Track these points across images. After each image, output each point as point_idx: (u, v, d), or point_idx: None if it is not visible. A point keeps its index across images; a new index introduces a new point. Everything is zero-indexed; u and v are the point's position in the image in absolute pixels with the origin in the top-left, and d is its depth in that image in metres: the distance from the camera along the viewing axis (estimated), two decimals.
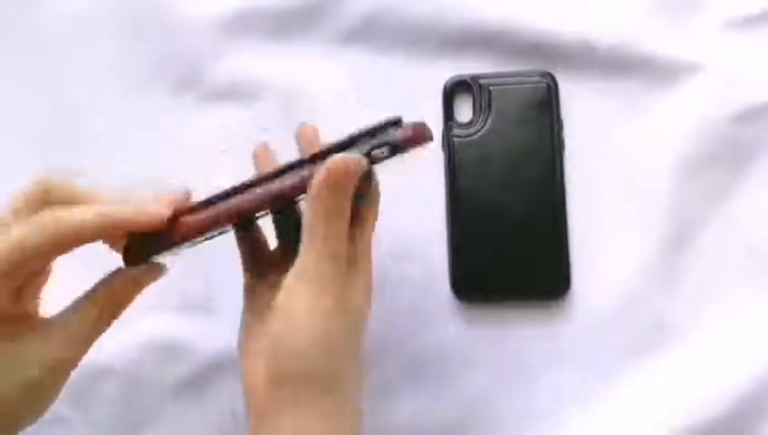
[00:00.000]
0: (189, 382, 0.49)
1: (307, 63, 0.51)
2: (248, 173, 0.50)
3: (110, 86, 0.52)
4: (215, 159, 0.51)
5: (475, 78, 0.50)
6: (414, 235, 0.49)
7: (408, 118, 0.50)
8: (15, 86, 0.53)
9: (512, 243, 0.49)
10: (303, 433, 0.35)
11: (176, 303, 0.50)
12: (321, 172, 0.35)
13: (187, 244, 0.37)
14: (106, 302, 0.36)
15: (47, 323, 0.36)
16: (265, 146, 0.44)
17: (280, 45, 0.52)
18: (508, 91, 0.50)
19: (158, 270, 0.37)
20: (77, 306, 0.36)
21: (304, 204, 0.36)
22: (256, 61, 0.52)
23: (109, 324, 0.36)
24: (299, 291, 0.35)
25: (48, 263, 0.37)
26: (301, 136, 0.43)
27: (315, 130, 0.42)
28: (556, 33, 0.50)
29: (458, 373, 0.48)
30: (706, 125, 0.49)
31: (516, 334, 0.48)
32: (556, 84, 0.49)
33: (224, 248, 0.42)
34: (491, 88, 0.50)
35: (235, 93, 0.51)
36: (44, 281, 0.38)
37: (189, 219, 0.37)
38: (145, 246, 0.37)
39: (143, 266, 0.37)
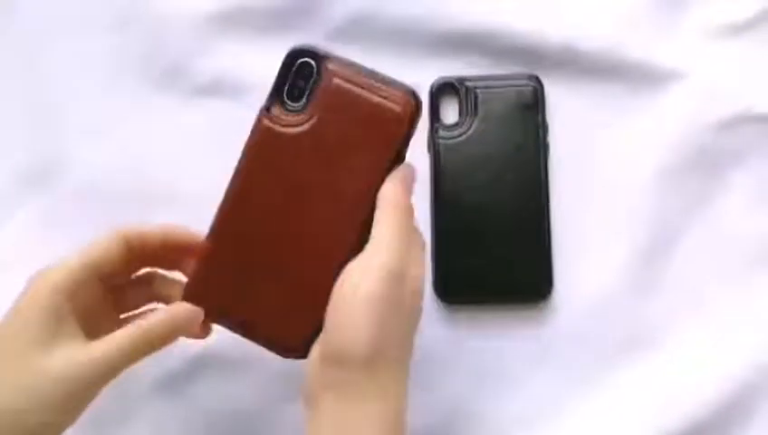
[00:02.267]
0: (172, 379, 0.49)
1: None
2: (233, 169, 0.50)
3: (95, 81, 0.52)
4: (200, 155, 0.51)
5: (461, 80, 0.50)
6: None
7: None
8: None
9: (495, 245, 0.49)
10: (341, 419, 0.35)
11: None
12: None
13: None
14: (142, 338, 0.37)
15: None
16: None
17: (266, 42, 0.51)
18: (494, 93, 0.50)
19: (206, 332, 0.40)
20: (117, 335, 0.36)
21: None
22: (243, 57, 0.51)
23: (141, 357, 0.37)
24: (369, 274, 0.35)
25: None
26: None
27: None
28: (543, 36, 0.50)
29: (440, 375, 0.48)
30: (689, 132, 0.49)
31: (499, 337, 0.48)
32: (542, 87, 0.49)
33: None
34: (477, 90, 0.50)
35: (221, 89, 0.51)
36: None
37: None
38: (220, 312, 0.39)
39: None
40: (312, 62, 0.38)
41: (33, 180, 0.51)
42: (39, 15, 0.53)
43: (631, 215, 0.49)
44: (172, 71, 0.52)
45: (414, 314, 0.38)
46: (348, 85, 0.38)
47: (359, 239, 0.37)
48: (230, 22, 0.52)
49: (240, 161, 0.39)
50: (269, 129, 0.38)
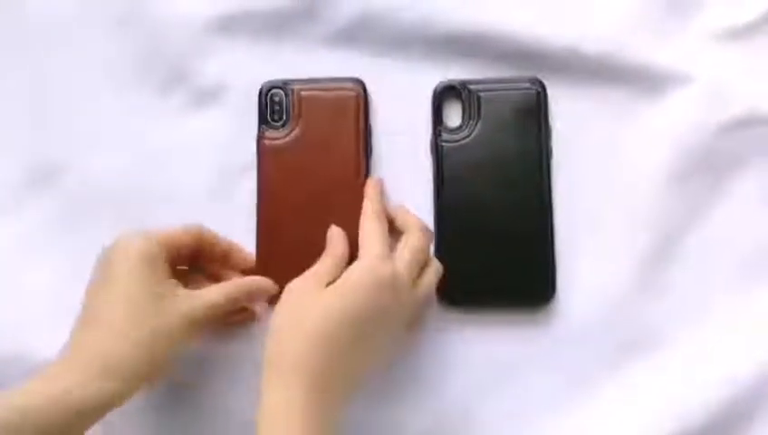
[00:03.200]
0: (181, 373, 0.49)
1: (295, 66, 0.51)
2: (233, 172, 0.50)
3: (97, 84, 0.53)
4: (201, 157, 0.51)
5: (464, 83, 0.50)
6: None
7: (397, 122, 0.50)
8: None
9: (498, 248, 0.49)
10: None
11: None
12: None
13: None
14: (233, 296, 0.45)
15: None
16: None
17: (267, 46, 0.52)
18: (497, 97, 0.50)
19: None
20: (216, 286, 0.45)
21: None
22: (243, 60, 0.52)
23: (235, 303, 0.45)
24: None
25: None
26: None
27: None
28: (546, 40, 0.50)
29: (442, 378, 0.48)
30: (693, 135, 0.49)
31: (501, 340, 0.48)
32: (545, 91, 0.49)
33: None
34: (480, 94, 0.50)
35: (221, 92, 0.52)
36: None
37: None
38: None
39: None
40: (280, 89, 0.50)
41: (34, 183, 0.52)
42: (42, 19, 0.53)
43: (634, 218, 0.49)
44: (173, 74, 0.52)
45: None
46: (311, 92, 0.50)
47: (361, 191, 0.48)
48: (231, 25, 0.52)
49: (258, 178, 0.49)
50: (267, 144, 0.49)
